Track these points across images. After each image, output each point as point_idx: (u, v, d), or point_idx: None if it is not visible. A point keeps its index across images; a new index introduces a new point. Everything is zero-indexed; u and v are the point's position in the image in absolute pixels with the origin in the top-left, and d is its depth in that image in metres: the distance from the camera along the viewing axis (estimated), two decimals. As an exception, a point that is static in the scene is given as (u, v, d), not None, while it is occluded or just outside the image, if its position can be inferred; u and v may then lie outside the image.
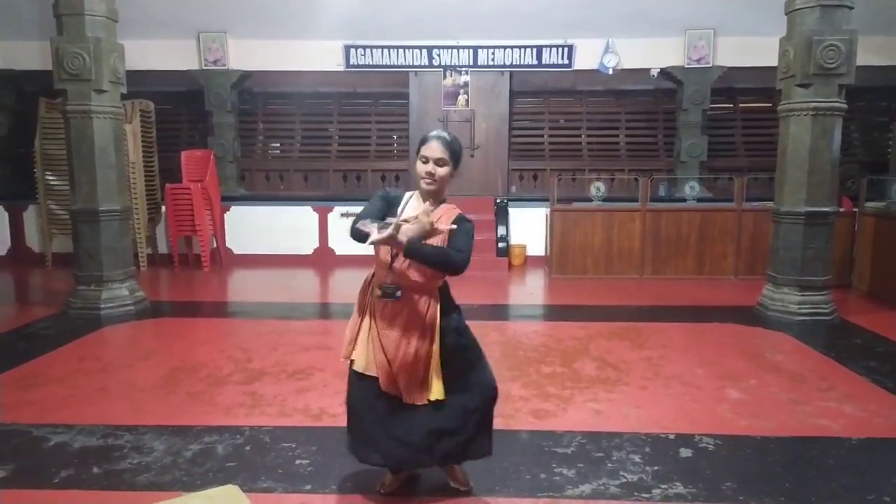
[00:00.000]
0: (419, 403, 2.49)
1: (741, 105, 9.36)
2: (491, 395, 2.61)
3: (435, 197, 2.51)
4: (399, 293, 2.44)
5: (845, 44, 5.27)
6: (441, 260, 2.37)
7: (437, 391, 2.48)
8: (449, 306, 2.57)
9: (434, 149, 2.45)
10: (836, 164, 5.58)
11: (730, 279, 7.54)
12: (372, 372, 2.50)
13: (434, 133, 2.52)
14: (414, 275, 2.43)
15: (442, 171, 2.45)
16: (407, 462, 2.61)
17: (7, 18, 8.12)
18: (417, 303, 2.47)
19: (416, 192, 2.55)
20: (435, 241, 2.37)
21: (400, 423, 2.51)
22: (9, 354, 4.68)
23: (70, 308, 5.84)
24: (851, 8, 5.35)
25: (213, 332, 5.40)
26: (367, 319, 2.55)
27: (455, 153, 2.49)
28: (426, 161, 2.46)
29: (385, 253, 2.45)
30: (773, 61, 5.82)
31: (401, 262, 2.42)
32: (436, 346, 2.48)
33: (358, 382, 2.56)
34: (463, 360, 2.56)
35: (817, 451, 3.14)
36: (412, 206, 2.50)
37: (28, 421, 3.45)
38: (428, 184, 2.46)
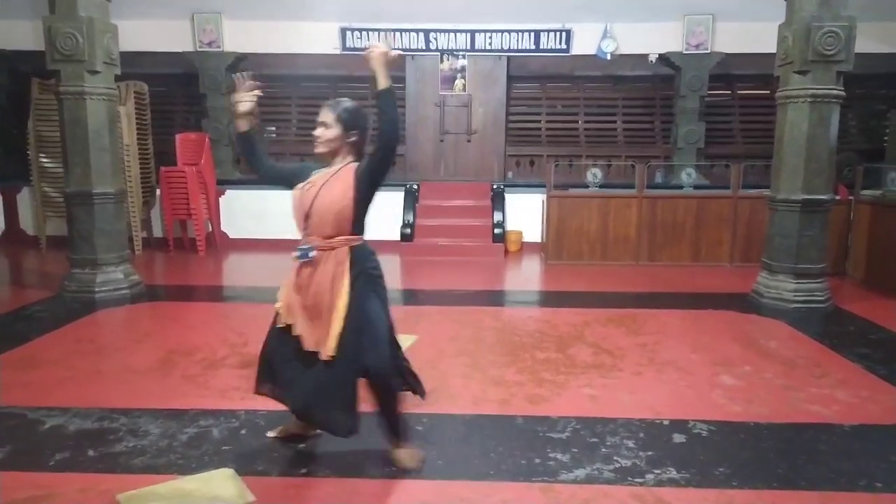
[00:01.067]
0: (323, 356, 2.58)
1: (739, 92, 9.32)
2: (361, 370, 2.59)
3: (332, 159, 2.67)
4: (313, 253, 2.60)
5: (844, 30, 5.25)
6: (392, 115, 2.54)
7: (331, 347, 2.56)
8: (365, 269, 2.64)
9: (322, 114, 2.65)
10: (833, 151, 5.57)
11: (725, 266, 7.56)
12: (287, 322, 2.67)
13: (329, 101, 2.70)
14: (326, 229, 2.59)
15: (326, 133, 2.62)
16: (291, 402, 2.73)
17: (-1, -3, 8.02)
18: (328, 261, 2.60)
19: None
20: (338, 194, 2.56)
21: (301, 371, 2.66)
22: (5, 336, 4.66)
23: (65, 291, 5.82)
24: (851, -6, 5.33)
25: (208, 315, 5.40)
26: (291, 281, 2.71)
27: (342, 118, 2.62)
28: (316, 125, 2.67)
29: (300, 211, 2.65)
30: (771, 48, 5.79)
31: (312, 219, 2.60)
32: (342, 302, 2.57)
33: (276, 332, 2.74)
34: (360, 322, 2.59)
35: (810, 437, 3.17)
36: (321, 173, 2.67)
37: (24, 403, 3.44)
38: (316, 147, 2.66)
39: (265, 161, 2.84)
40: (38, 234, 8.49)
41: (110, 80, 5.77)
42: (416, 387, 2.96)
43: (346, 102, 2.67)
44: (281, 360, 2.73)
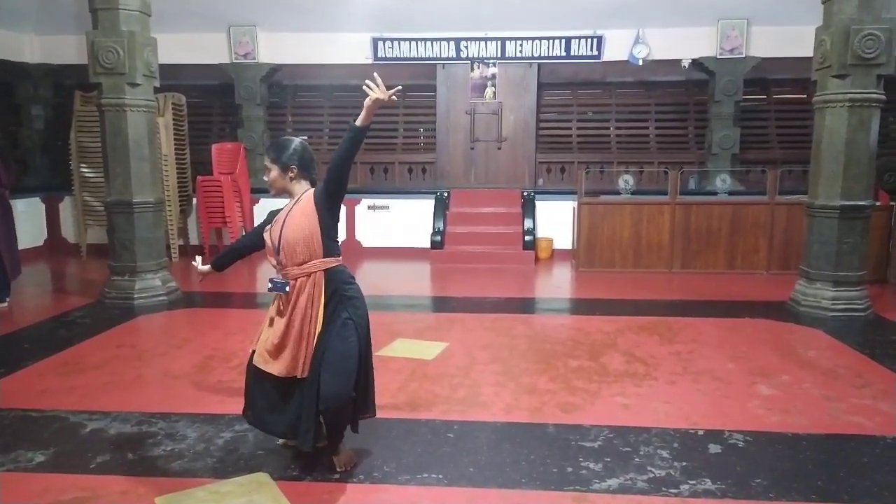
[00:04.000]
0: (299, 375, 2.71)
1: (775, 96, 9.16)
2: (327, 404, 2.66)
3: (289, 194, 2.81)
4: (287, 287, 2.71)
5: (885, 32, 5.14)
6: (344, 152, 2.65)
7: (306, 368, 2.70)
8: (339, 290, 2.73)
9: (265, 159, 2.83)
10: (873, 156, 5.45)
11: (762, 274, 7.42)
12: (261, 364, 2.78)
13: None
14: (297, 256, 2.68)
15: (270, 175, 2.79)
16: (271, 429, 2.89)
17: (46, 13, 8.29)
18: (306, 286, 2.69)
19: None
20: (302, 221, 2.67)
21: (274, 396, 2.81)
22: (49, 342, 4.82)
23: (105, 297, 5.97)
24: (892, -5, 5.22)
25: (243, 322, 5.48)
26: (269, 314, 2.85)
27: (276, 160, 2.75)
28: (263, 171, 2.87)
29: (270, 247, 2.76)
30: (808, 51, 5.70)
31: (283, 250, 2.70)
32: (317, 328, 2.69)
33: (252, 368, 2.86)
34: (326, 353, 2.67)
35: (851, 449, 3.09)
36: (282, 213, 2.80)
37: (67, 407, 3.55)
38: (269, 188, 2.84)
39: (245, 248, 3.14)
40: (79, 242, 8.72)
41: (150, 92, 5.92)
42: (353, 424, 2.93)
43: (278, 143, 2.80)
44: (259, 392, 2.85)
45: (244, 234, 3.17)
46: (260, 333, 2.87)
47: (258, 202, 8.85)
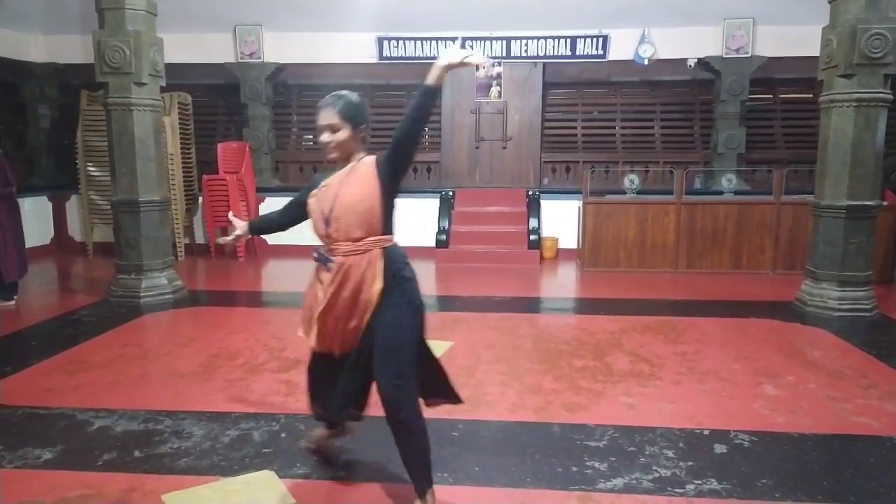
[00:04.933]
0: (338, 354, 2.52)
1: (781, 96, 9.13)
2: (386, 404, 2.42)
3: (346, 162, 2.47)
4: (331, 263, 2.40)
5: (891, 32, 5.12)
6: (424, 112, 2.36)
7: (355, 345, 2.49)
8: (398, 273, 2.43)
9: (324, 116, 2.41)
10: (879, 156, 5.43)
11: (767, 274, 7.40)
12: (314, 345, 2.53)
13: (324, 99, 2.44)
14: (353, 231, 2.37)
15: (336, 136, 2.40)
16: (336, 413, 2.66)
17: (51, 13, 8.32)
18: (359, 265, 2.38)
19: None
20: (361, 191, 2.38)
21: (335, 380, 2.56)
22: (55, 340, 4.84)
23: (111, 296, 5.99)
24: (899, -6, 5.20)
25: (248, 320, 5.50)
26: (314, 291, 2.52)
27: (348, 114, 2.39)
28: (322, 131, 2.42)
29: (319, 216, 2.44)
30: (814, 51, 5.68)
31: (336, 223, 2.39)
32: (373, 306, 2.40)
33: (313, 355, 2.64)
34: (386, 342, 2.42)
35: (857, 450, 3.09)
36: (335, 177, 2.47)
37: (74, 404, 3.57)
38: (329, 153, 2.44)
39: (283, 219, 2.74)
40: (85, 240, 8.75)
41: (156, 92, 5.94)
42: (451, 396, 2.68)
43: (345, 97, 2.43)
44: (323, 381, 2.64)
45: (285, 206, 2.78)
46: (306, 308, 2.59)
47: (263, 201, 8.86)
